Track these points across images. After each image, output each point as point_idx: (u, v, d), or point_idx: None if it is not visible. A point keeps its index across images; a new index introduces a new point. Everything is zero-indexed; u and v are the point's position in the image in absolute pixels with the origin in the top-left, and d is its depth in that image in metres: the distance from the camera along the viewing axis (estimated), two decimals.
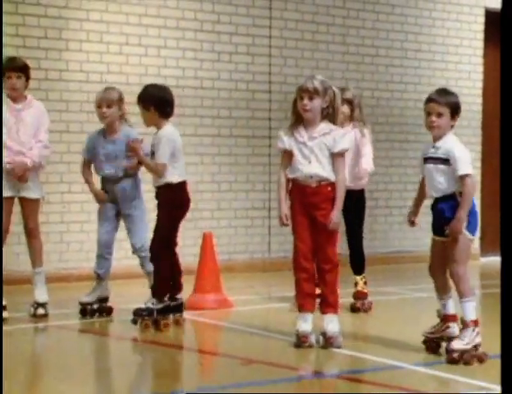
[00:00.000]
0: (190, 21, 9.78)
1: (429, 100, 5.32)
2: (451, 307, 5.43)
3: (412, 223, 5.59)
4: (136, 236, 6.72)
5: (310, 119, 5.66)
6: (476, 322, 5.19)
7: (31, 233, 6.84)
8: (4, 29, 8.34)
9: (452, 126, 5.33)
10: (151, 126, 6.35)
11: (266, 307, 7.60)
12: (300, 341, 5.59)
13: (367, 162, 7.33)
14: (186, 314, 6.51)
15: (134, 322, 6.20)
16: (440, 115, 5.25)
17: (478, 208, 5.60)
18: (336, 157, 5.64)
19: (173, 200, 6.25)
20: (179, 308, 6.39)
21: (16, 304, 6.83)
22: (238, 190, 9.99)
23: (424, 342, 5.52)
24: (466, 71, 11.59)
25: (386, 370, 5.11)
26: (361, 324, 6.90)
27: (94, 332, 6.46)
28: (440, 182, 5.28)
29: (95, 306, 6.78)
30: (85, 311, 6.76)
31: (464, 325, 5.18)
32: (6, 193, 6.63)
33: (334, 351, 5.51)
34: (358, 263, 7.37)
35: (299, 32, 10.51)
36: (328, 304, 5.68)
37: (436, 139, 5.32)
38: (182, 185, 6.32)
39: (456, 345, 5.17)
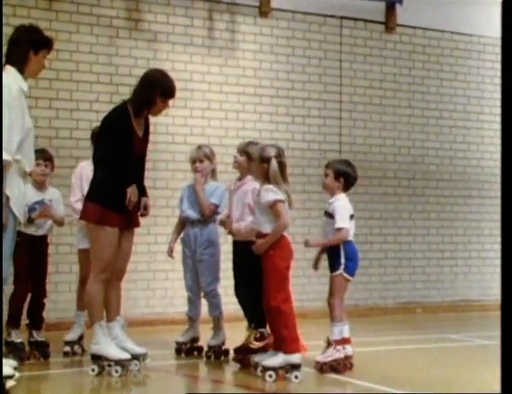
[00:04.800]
0: (267, 88, 9.85)
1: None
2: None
3: None
4: (205, 281, 6.64)
5: None
6: (338, 342, 5.99)
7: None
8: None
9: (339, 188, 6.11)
10: None
11: None
12: None
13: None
14: None
15: None
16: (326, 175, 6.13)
17: None
18: None
19: None
20: None
21: None
22: None
23: None
24: None
25: None
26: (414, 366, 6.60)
27: (182, 373, 6.32)
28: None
29: (188, 346, 6.73)
30: (180, 350, 6.74)
31: (329, 344, 6.02)
32: (84, 245, 6.64)
33: None
34: None
35: (368, 97, 10.47)
36: None
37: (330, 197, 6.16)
38: None
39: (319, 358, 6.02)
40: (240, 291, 6.42)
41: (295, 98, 10.00)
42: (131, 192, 5.83)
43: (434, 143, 10.86)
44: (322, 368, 5.93)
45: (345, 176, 6.13)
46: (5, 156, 4.92)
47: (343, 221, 6.03)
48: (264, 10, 9.81)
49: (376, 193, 10.49)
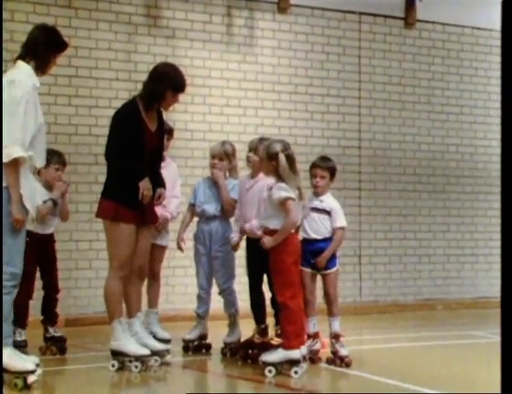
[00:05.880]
0: (285, 85, 9.82)
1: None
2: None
3: None
4: (221, 278, 6.60)
5: None
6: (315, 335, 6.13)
7: (155, 276, 6.78)
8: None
9: None
10: None
11: (357, 348, 7.33)
12: None
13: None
14: None
15: None
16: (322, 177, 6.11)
17: None
18: None
19: None
20: None
21: None
22: None
23: None
24: None
25: None
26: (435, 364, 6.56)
27: (195, 368, 6.31)
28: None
29: (196, 343, 6.67)
30: (188, 348, 6.67)
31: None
32: (159, 241, 6.62)
33: None
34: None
35: (387, 93, 10.42)
36: None
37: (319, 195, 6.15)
38: None
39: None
40: (254, 291, 6.34)
41: (314, 94, 9.96)
42: (144, 186, 5.77)
43: (454, 139, 10.79)
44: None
45: (335, 174, 6.30)
46: (19, 152, 4.89)
47: (343, 219, 6.22)
48: (283, 6, 9.79)
49: (395, 189, 10.44)
